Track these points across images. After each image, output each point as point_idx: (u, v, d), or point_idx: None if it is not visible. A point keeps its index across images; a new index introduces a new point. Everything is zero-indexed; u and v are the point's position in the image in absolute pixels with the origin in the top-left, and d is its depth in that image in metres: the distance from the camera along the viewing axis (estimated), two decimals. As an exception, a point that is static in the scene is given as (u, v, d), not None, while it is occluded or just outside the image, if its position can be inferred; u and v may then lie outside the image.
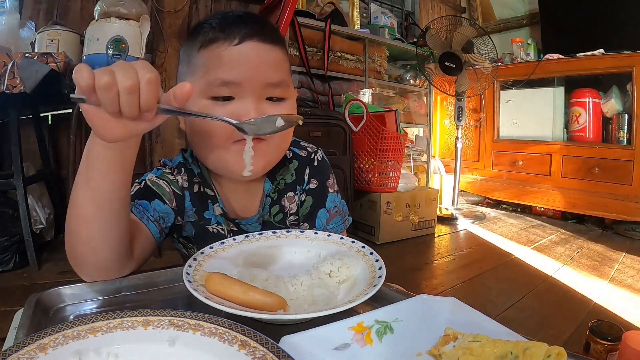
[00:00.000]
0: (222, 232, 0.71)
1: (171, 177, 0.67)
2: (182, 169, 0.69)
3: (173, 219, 0.67)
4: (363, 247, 0.60)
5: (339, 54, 2.48)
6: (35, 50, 1.82)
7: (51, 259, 1.81)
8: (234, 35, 0.59)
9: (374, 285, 0.47)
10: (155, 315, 0.39)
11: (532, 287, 1.63)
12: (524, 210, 3.11)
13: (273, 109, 0.60)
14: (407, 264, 1.94)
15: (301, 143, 0.78)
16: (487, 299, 1.52)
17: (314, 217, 0.75)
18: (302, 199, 0.75)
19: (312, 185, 0.75)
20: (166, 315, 0.39)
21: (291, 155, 0.74)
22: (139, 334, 0.37)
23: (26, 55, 1.52)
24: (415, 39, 3.11)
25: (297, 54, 2.27)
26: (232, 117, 0.53)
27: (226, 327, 0.36)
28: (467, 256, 2.07)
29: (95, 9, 1.84)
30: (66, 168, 2.05)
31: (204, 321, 0.38)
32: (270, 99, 0.61)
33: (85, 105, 0.41)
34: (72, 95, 0.40)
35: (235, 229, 0.72)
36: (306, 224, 0.75)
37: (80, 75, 0.38)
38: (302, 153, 0.75)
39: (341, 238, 0.63)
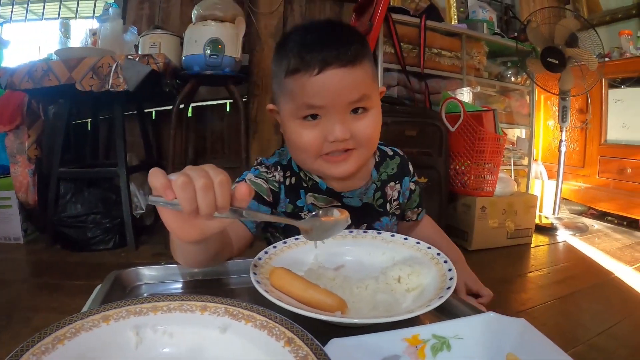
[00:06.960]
0: None
1: (268, 175, 0.75)
2: (278, 166, 0.77)
3: (269, 213, 0.74)
4: (438, 254, 0.57)
5: (435, 51, 2.37)
6: (139, 53, 2.02)
7: (149, 241, 2.00)
8: (314, 64, 0.62)
9: (440, 297, 0.43)
10: (214, 302, 0.40)
11: (630, 312, 1.42)
12: (632, 224, 2.71)
13: (357, 121, 0.66)
14: (497, 274, 1.81)
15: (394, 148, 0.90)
16: (578, 322, 1.36)
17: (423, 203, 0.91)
18: (412, 188, 0.86)
19: (417, 178, 0.88)
20: (223, 303, 0.40)
21: (392, 152, 0.85)
22: (195, 317, 0.38)
23: (128, 57, 1.70)
24: (515, 34, 2.89)
25: (393, 51, 2.22)
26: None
27: (277, 322, 0.36)
28: (563, 271, 1.87)
29: (193, 12, 1.98)
30: (166, 159, 2.24)
31: (257, 313, 0.38)
32: (354, 111, 0.66)
33: (162, 209, 0.41)
34: (150, 197, 0.40)
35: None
36: (422, 209, 0.90)
37: (155, 178, 0.40)
38: (401, 153, 0.87)
39: (417, 243, 0.62)
